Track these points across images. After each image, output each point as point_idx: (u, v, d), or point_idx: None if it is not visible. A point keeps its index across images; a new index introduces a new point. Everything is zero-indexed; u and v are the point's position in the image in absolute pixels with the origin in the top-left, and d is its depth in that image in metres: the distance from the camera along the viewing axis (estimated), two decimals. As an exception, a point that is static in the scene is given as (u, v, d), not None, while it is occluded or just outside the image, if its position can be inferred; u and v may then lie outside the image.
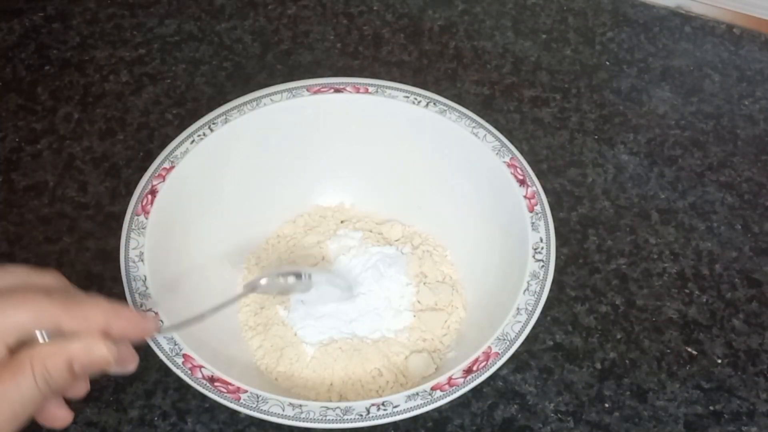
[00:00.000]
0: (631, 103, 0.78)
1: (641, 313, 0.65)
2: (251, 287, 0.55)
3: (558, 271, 0.64)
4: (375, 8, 0.85)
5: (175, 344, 0.53)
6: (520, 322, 0.54)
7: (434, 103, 0.64)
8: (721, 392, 0.61)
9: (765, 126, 0.77)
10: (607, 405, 0.60)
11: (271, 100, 0.65)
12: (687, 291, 0.66)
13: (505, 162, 0.62)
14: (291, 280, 0.57)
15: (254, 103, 0.64)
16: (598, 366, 0.62)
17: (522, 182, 0.61)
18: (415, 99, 0.65)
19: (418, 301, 0.62)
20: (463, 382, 0.52)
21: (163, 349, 0.53)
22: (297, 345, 0.60)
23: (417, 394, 0.51)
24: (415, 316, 0.62)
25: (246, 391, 0.51)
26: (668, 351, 0.63)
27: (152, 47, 0.81)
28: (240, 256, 0.66)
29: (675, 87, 0.79)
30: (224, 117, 0.64)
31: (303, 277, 0.57)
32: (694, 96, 0.79)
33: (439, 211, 0.66)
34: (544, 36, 0.83)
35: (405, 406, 0.51)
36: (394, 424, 0.58)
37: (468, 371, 0.52)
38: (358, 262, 0.63)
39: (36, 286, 0.45)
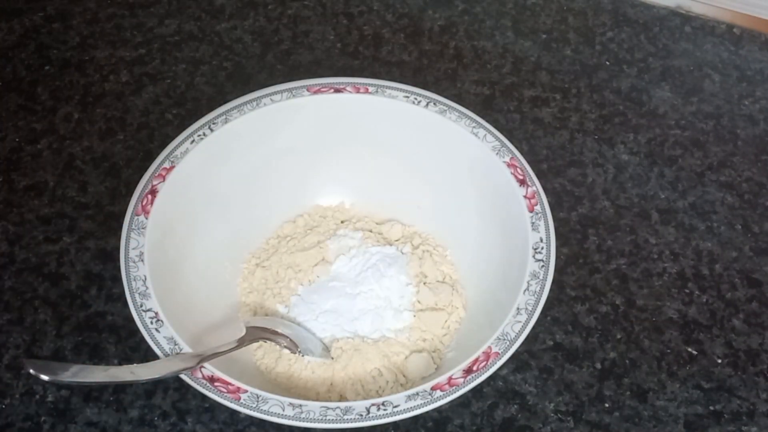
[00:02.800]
0: (631, 103, 0.78)
1: (641, 313, 0.65)
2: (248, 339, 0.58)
3: (558, 271, 0.63)
4: (375, 8, 0.85)
5: (175, 344, 0.53)
6: (520, 322, 0.54)
7: (434, 103, 0.64)
8: (721, 392, 0.61)
9: (765, 126, 0.77)
10: (607, 405, 0.60)
11: (272, 100, 0.65)
12: (687, 291, 0.66)
13: (505, 162, 0.62)
14: (284, 342, 0.59)
15: (254, 103, 0.64)
16: (598, 366, 0.62)
17: (522, 182, 0.61)
18: (415, 99, 0.65)
19: (418, 301, 0.62)
20: (463, 382, 0.52)
21: (162, 349, 0.53)
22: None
23: (417, 394, 0.51)
24: (415, 316, 0.62)
25: (246, 391, 0.51)
26: (668, 351, 0.63)
27: (152, 47, 0.81)
28: (240, 255, 0.66)
29: (675, 87, 0.79)
30: (224, 117, 0.64)
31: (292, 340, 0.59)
32: (694, 96, 0.78)
33: (439, 211, 0.66)
34: (544, 36, 0.83)
35: (405, 406, 0.51)
36: (394, 424, 0.58)
37: (468, 371, 0.52)
38: (358, 261, 0.63)
39: None
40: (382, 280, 0.62)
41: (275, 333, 0.59)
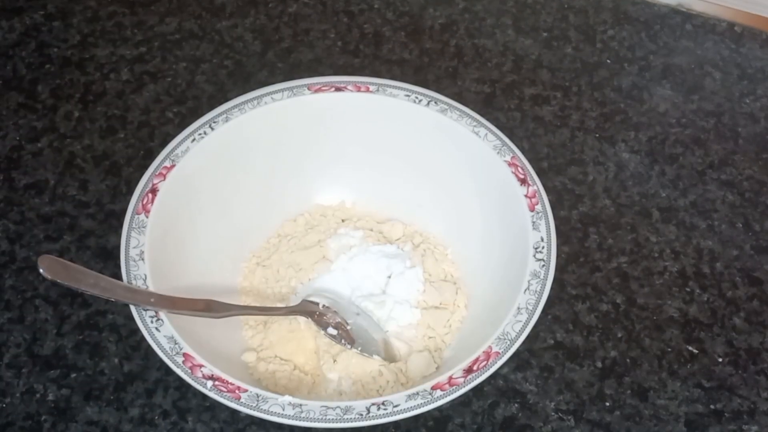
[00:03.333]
0: (632, 101, 0.78)
1: (642, 311, 0.65)
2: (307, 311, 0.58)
3: (559, 269, 0.63)
4: (376, 6, 0.85)
5: (175, 343, 0.53)
6: (520, 321, 0.54)
7: (435, 102, 0.64)
8: (722, 391, 0.61)
9: (766, 124, 0.76)
10: (607, 404, 0.60)
11: (272, 98, 0.64)
12: (688, 289, 0.66)
13: (505, 161, 0.62)
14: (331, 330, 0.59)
15: (255, 102, 0.64)
16: (599, 365, 0.62)
17: (523, 181, 0.61)
18: (416, 98, 0.64)
19: (424, 300, 0.62)
20: (464, 382, 0.52)
21: (163, 348, 0.53)
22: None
23: (417, 393, 0.51)
24: (420, 313, 0.62)
25: (246, 391, 0.51)
26: (669, 349, 0.63)
27: (153, 45, 0.81)
28: (240, 254, 0.66)
29: (676, 85, 0.79)
30: (225, 115, 0.63)
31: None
32: (695, 94, 0.78)
33: (439, 210, 0.66)
34: (544, 34, 0.83)
35: (405, 405, 0.51)
36: (395, 423, 0.58)
37: (468, 371, 0.52)
38: (363, 260, 0.63)
39: None
40: (388, 279, 0.62)
41: (335, 318, 0.59)
